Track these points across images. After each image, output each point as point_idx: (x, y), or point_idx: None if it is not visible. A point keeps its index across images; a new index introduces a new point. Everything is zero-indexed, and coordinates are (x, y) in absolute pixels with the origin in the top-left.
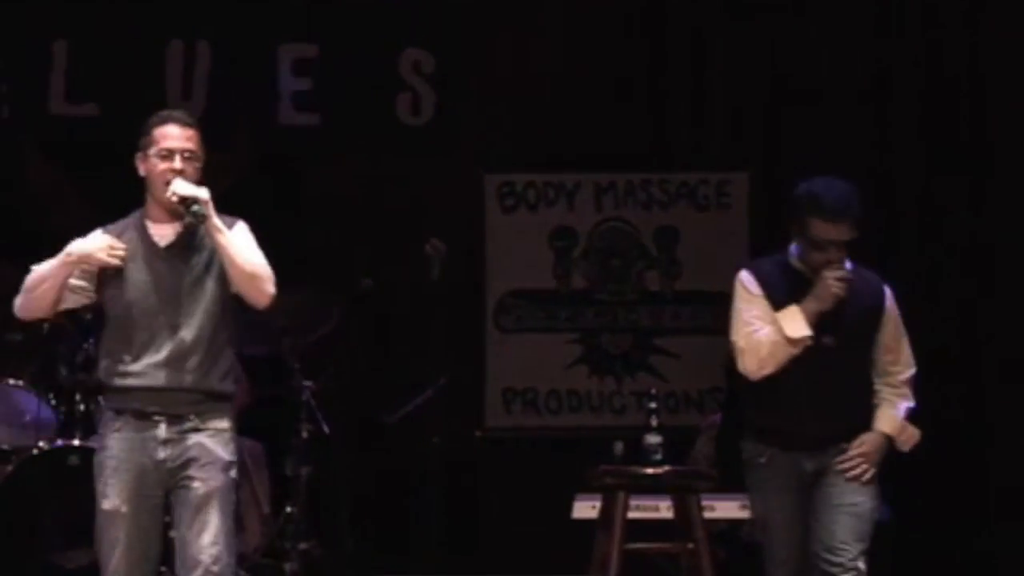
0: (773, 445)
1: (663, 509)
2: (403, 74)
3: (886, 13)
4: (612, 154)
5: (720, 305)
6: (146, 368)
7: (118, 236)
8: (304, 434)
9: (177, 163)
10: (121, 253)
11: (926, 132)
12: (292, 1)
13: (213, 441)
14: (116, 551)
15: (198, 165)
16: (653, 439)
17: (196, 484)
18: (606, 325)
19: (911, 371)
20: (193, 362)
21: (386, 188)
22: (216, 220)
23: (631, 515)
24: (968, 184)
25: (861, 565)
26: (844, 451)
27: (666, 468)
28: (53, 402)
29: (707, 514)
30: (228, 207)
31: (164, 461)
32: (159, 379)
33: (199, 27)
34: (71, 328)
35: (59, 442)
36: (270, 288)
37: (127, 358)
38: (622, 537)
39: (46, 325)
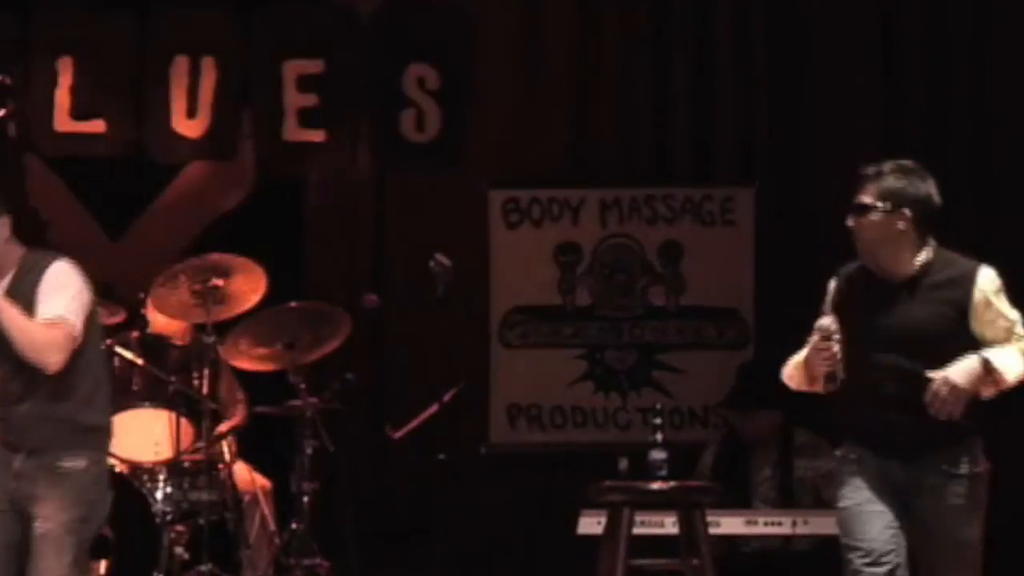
0: (864, 446)
1: (668, 525)
2: (407, 90)
3: (890, 26)
4: (616, 169)
5: (725, 320)
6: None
7: None
8: (309, 451)
9: None
10: None
11: (936, 145)
12: (297, 17)
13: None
14: None
15: None
16: (658, 455)
17: (37, 523)
18: (611, 341)
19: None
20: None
21: (391, 204)
22: None
23: (636, 531)
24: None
25: None
26: (938, 463)
27: (671, 484)
28: None
29: (712, 530)
30: (233, 224)
31: (15, 491)
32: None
33: (204, 43)
34: None
35: None
36: (50, 359)
37: None
38: (627, 553)
39: None
